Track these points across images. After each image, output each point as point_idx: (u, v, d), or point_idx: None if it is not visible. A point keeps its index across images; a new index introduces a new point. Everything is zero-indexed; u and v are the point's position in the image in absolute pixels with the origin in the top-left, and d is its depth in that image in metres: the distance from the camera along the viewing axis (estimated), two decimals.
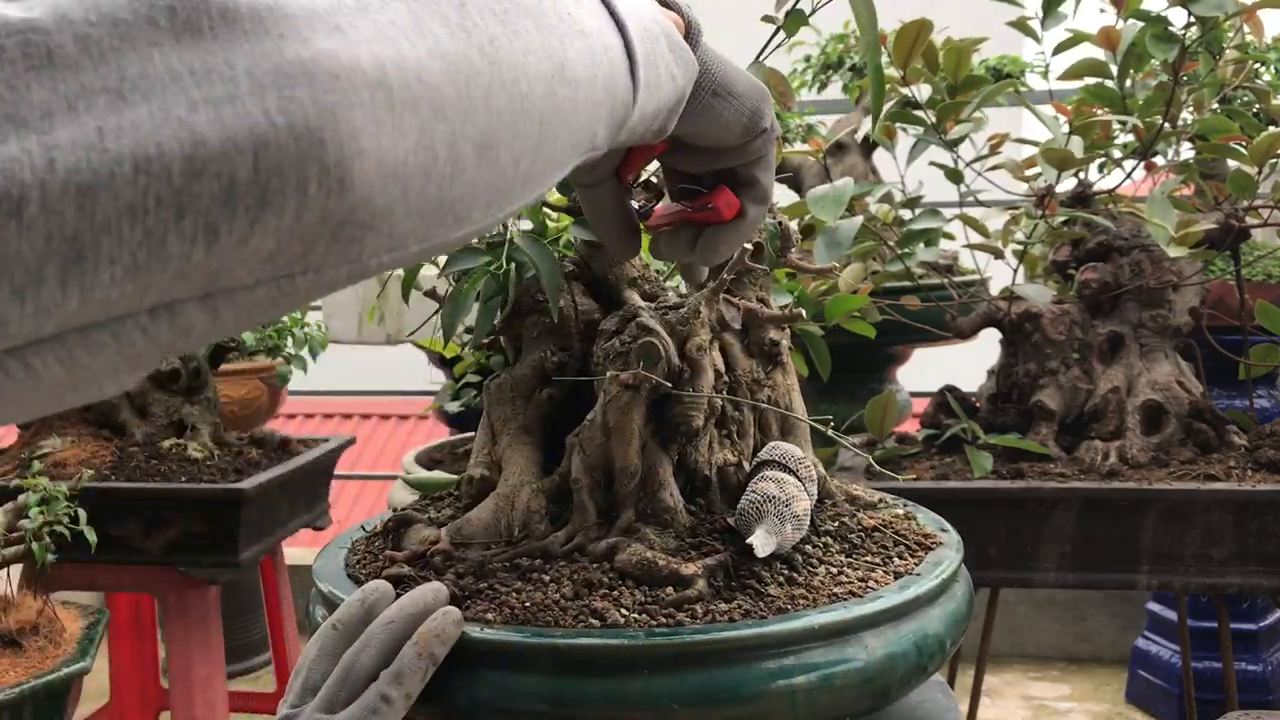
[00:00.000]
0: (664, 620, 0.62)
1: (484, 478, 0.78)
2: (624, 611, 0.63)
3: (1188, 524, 1.23)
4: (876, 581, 0.68)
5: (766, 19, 0.82)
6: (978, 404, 1.46)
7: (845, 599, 0.66)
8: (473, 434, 1.75)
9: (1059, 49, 1.42)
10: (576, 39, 0.45)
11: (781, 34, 0.88)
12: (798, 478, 0.72)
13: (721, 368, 0.77)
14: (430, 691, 0.61)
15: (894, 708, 0.74)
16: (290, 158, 0.32)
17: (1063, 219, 1.37)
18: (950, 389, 1.48)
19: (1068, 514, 1.26)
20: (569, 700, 0.59)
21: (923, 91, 1.36)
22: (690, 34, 0.55)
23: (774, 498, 0.69)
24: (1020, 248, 1.38)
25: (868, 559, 0.73)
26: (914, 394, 1.91)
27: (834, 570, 0.70)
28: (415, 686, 0.60)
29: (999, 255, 1.40)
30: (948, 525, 0.82)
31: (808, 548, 0.72)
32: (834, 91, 2.11)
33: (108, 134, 0.28)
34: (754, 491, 0.70)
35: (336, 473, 1.93)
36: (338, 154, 0.33)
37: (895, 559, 0.73)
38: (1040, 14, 1.34)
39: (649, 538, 0.70)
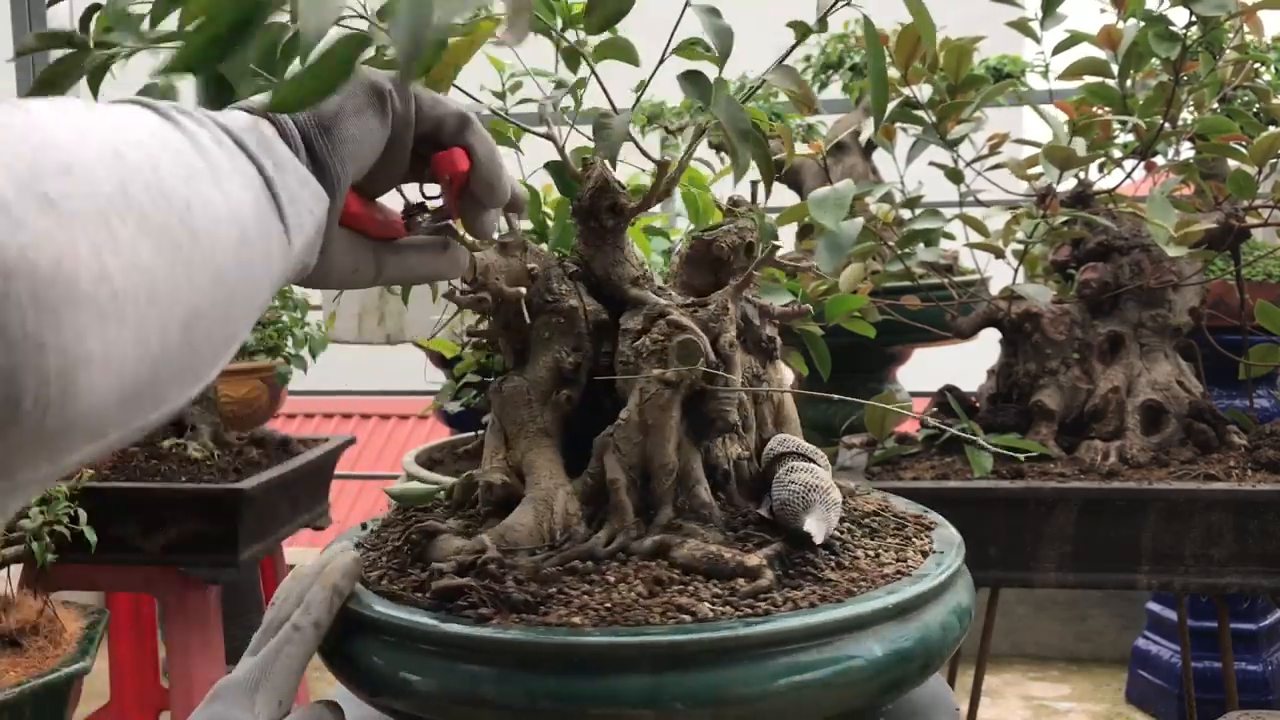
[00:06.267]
0: (748, 611, 0.63)
1: (504, 484, 0.75)
2: (709, 605, 0.63)
3: (1188, 524, 1.23)
4: (912, 561, 0.71)
5: (797, 26, 0.82)
6: (977, 404, 1.46)
7: (896, 578, 0.69)
8: (473, 434, 1.75)
9: (1059, 49, 1.42)
10: (246, 195, 0.43)
11: (779, 35, 0.88)
12: (819, 466, 0.74)
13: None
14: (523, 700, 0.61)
15: (894, 707, 0.74)
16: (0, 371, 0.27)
17: (1063, 219, 1.37)
18: (950, 389, 1.47)
19: (1068, 514, 1.25)
20: (669, 695, 0.59)
21: (923, 91, 1.36)
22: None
23: (816, 486, 0.72)
24: (1020, 247, 1.38)
25: (890, 540, 0.76)
26: (914, 394, 1.91)
27: (870, 553, 0.73)
28: (323, 614, 0.66)
29: (999, 255, 1.40)
30: (924, 509, 0.85)
31: (837, 533, 0.75)
32: (834, 91, 2.10)
33: None
34: (793, 482, 0.72)
35: (336, 473, 1.93)
36: (61, 361, 0.28)
37: (914, 538, 0.77)
38: (1039, 14, 1.34)
39: (698, 533, 0.71)
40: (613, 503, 0.73)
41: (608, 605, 0.63)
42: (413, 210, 0.66)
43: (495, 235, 0.66)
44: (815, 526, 0.69)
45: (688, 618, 0.61)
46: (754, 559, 0.67)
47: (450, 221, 0.66)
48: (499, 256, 0.76)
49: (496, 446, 0.78)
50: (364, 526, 0.84)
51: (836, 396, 0.79)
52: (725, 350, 0.73)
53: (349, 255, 0.60)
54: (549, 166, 0.84)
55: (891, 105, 1.37)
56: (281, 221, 0.47)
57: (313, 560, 0.71)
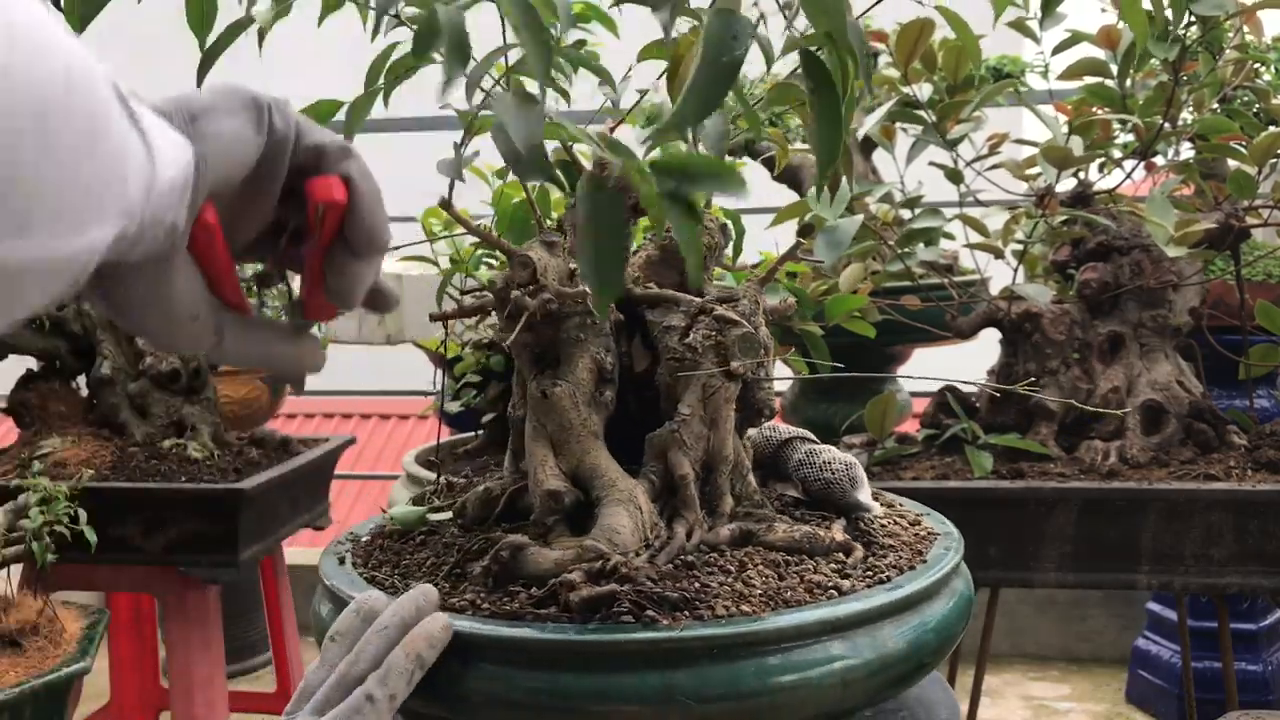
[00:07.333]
0: (871, 580, 0.69)
1: (570, 491, 0.72)
2: (841, 579, 0.68)
3: (1188, 524, 1.23)
4: (927, 528, 0.78)
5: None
6: (977, 404, 1.46)
7: (931, 537, 0.76)
8: (472, 434, 1.75)
9: (1058, 49, 1.42)
10: (96, 70, 0.40)
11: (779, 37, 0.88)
12: (826, 445, 0.79)
13: None
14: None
15: (893, 707, 0.74)
16: None
17: (1063, 219, 1.37)
18: (950, 389, 1.47)
19: (1068, 514, 1.25)
20: (852, 656, 0.65)
21: (923, 91, 1.36)
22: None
23: (852, 463, 0.76)
24: (1020, 248, 1.38)
25: (886, 508, 0.83)
26: (914, 394, 1.91)
27: (886, 521, 0.78)
28: (401, 688, 0.61)
29: (999, 255, 1.40)
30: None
31: None
32: None
33: None
34: (828, 463, 0.77)
35: (336, 473, 1.93)
36: None
37: (899, 505, 0.84)
38: (1039, 14, 1.34)
39: (769, 518, 0.73)
40: (683, 497, 0.73)
41: (759, 592, 0.66)
42: (265, 278, 0.57)
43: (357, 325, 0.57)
44: (868, 499, 0.75)
45: (834, 592, 0.66)
46: (841, 534, 0.72)
47: (302, 299, 0.55)
48: (551, 256, 0.75)
49: (544, 455, 0.74)
50: (341, 562, 0.80)
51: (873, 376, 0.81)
52: (766, 341, 0.75)
53: (192, 294, 0.50)
54: (557, 165, 0.84)
55: (891, 105, 1.37)
56: (138, 129, 0.43)
57: (390, 608, 0.64)
